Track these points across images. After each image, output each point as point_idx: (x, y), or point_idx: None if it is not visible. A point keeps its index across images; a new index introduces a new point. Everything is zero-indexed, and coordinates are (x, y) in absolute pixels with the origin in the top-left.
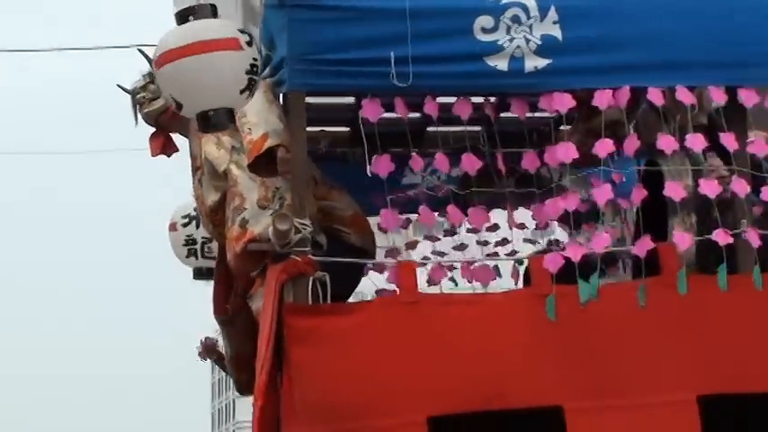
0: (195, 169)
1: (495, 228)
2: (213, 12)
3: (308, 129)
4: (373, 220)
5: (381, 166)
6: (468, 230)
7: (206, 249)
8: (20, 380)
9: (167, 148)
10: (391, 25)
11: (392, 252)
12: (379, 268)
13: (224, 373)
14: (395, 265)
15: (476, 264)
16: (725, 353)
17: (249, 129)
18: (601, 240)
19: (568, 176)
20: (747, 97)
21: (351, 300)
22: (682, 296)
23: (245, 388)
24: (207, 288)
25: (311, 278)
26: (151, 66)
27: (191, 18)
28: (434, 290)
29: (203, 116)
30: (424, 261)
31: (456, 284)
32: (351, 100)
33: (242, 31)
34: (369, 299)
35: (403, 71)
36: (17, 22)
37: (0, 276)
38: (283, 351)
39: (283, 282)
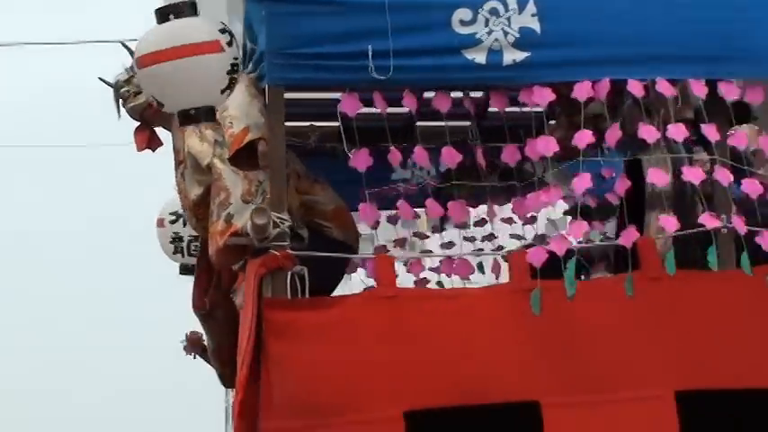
0: (178, 163)
1: (482, 223)
2: (193, 9)
3: (299, 123)
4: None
5: (360, 160)
6: (456, 226)
7: (192, 247)
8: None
9: (152, 143)
10: (370, 19)
11: (381, 248)
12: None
13: None
14: (373, 259)
15: (456, 259)
16: (703, 348)
17: (231, 122)
18: (578, 228)
19: (550, 170)
20: (727, 91)
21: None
22: (660, 291)
23: (228, 381)
24: None
25: (290, 272)
26: (134, 60)
27: (171, 16)
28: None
29: (184, 113)
30: (403, 255)
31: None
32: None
33: (222, 31)
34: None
35: (382, 65)
36: None
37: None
38: (262, 345)
39: (262, 276)
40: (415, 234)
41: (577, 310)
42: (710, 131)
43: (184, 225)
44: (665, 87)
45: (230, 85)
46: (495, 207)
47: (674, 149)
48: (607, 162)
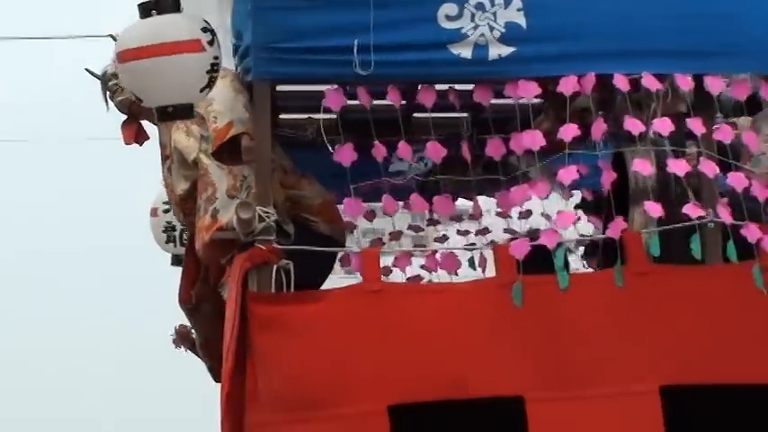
0: (165, 158)
1: (477, 216)
2: (176, 5)
3: (295, 116)
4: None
5: (344, 155)
6: (452, 218)
7: (184, 237)
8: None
9: (139, 137)
10: (355, 13)
11: (377, 242)
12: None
13: None
14: (358, 254)
15: (439, 253)
16: (688, 344)
17: (215, 117)
18: (565, 219)
19: (537, 164)
20: (713, 84)
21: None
22: (645, 286)
23: (217, 375)
24: None
25: (275, 266)
26: (115, 53)
27: (154, 12)
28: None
29: (162, 110)
30: (387, 249)
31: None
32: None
33: (204, 30)
34: None
35: (367, 59)
36: None
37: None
38: (247, 339)
39: (247, 270)
40: (411, 227)
41: (563, 304)
42: (696, 125)
43: None
44: (650, 82)
45: (209, 84)
46: (492, 201)
47: (659, 144)
48: (592, 156)
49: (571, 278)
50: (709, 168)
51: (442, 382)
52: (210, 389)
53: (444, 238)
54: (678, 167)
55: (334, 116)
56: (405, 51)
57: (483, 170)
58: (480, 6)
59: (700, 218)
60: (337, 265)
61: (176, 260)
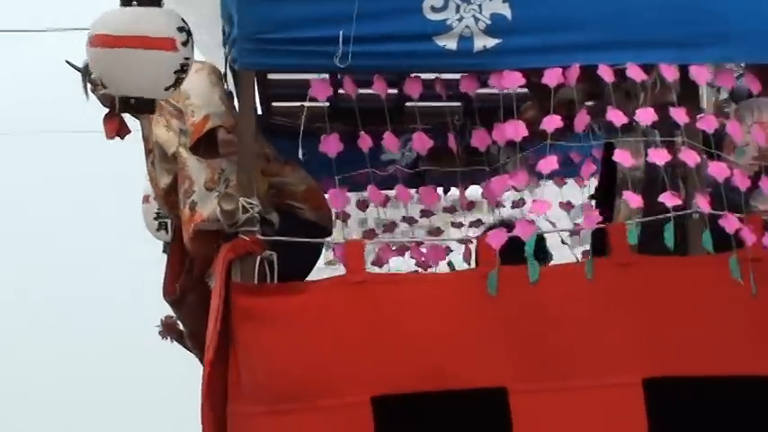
0: (148, 152)
1: (470, 207)
2: None
3: (288, 104)
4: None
5: (330, 145)
6: (445, 209)
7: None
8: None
9: (121, 131)
10: (340, 4)
11: (370, 232)
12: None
13: None
14: (342, 244)
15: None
16: (671, 335)
17: (192, 111)
18: (541, 206)
19: (521, 153)
20: (698, 74)
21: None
22: (628, 277)
23: None
24: None
25: (258, 257)
26: (88, 36)
27: (134, 2)
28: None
29: (124, 100)
30: (373, 240)
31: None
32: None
33: (180, 29)
34: None
35: (351, 50)
36: None
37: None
38: (230, 330)
39: (230, 261)
40: (404, 219)
41: (546, 295)
42: (680, 115)
43: None
44: (636, 72)
45: (175, 84)
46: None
47: (649, 134)
48: (582, 145)
49: (554, 269)
50: (691, 158)
51: (425, 374)
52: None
53: (439, 231)
54: (659, 157)
55: (327, 104)
56: (389, 42)
57: (474, 159)
58: None
59: (678, 208)
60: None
61: (168, 248)
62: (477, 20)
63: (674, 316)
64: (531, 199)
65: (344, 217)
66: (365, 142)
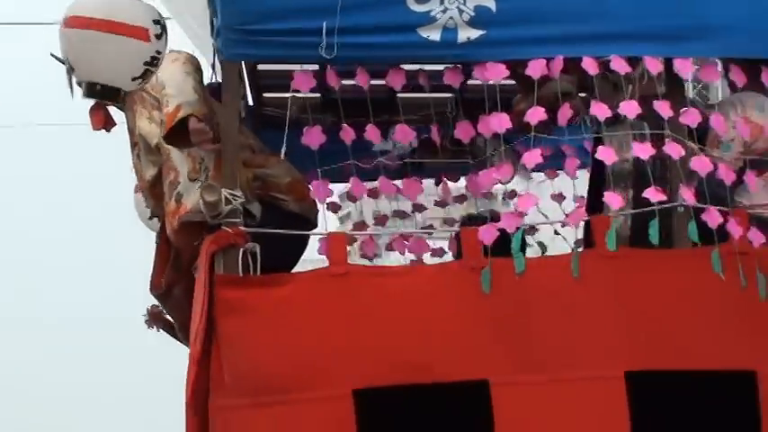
0: (133, 144)
1: (462, 199)
2: None
3: (279, 95)
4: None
5: (313, 137)
6: (437, 203)
7: None
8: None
9: (107, 123)
10: None
11: (361, 225)
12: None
13: None
14: (325, 237)
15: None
16: (654, 329)
17: (167, 101)
18: (527, 201)
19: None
20: (682, 68)
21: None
22: (612, 270)
23: None
24: None
25: (241, 249)
26: (63, 17)
27: None
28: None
29: (90, 85)
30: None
31: None
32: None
33: (156, 22)
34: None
35: (334, 42)
36: None
37: None
38: (213, 322)
39: (213, 252)
40: (396, 213)
41: (529, 288)
42: (663, 108)
43: None
44: (619, 65)
45: (143, 77)
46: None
47: (636, 127)
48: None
49: (537, 262)
50: (675, 151)
51: (408, 367)
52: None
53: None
54: (643, 151)
55: (319, 95)
56: (373, 34)
57: (467, 151)
58: None
59: (664, 202)
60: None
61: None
62: (461, 11)
63: (658, 309)
64: (522, 191)
65: (335, 208)
66: (348, 134)
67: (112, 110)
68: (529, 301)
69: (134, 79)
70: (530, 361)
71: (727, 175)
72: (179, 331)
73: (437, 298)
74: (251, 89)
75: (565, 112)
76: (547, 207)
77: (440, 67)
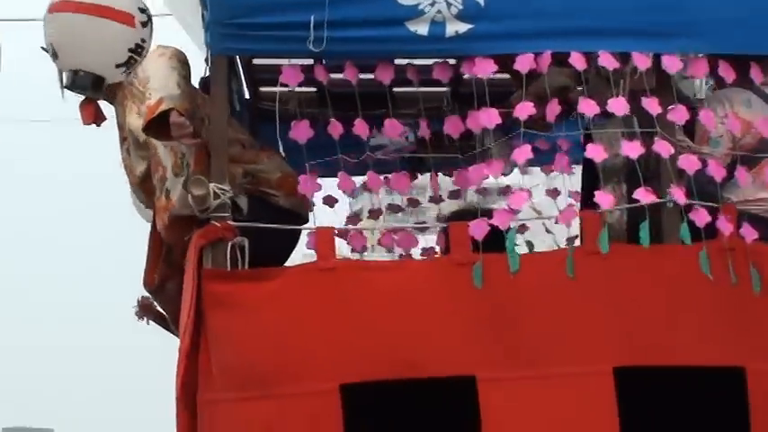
0: (122, 139)
1: (456, 195)
2: None
3: (276, 89)
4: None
5: (300, 131)
6: (431, 199)
7: None
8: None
9: (98, 117)
10: None
11: (354, 218)
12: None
13: None
14: (313, 231)
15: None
16: (643, 324)
17: (150, 94)
18: (518, 199)
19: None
20: (670, 64)
21: None
22: (601, 266)
23: None
24: None
25: (230, 243)
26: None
27: None
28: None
29: (73, 74)
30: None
31: None
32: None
33: (141, 10)
34: None
35: (323, 36)
36: None
37: None
38: (201, 316)
39: (201, 247)
40: (389, 207)
41: (517, 284)
42: (652, 105)
43: None
44: (607, 60)
45: (127, 64)
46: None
47: (629, 121)
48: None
49: (526, 258)
50: (665, 149)
51: (394, 362)
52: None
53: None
54: (631, 150)
55: (315, 90)
56: (360, 28)
57: (467, 145)
58: None
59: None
60: None
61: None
62: (449, 5)
63: (647, 305)
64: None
65: (332, 203)
66: (336, 128)
67: (104, 106)
68: (517, 297)
69: (118, 66)
70: (517, 357)
71: (717, 172)
72: (172, 324)
73: (425, 293)
74: (247, 83)
75: (553, 108)
76: (543, 203)
77: (440, 61)
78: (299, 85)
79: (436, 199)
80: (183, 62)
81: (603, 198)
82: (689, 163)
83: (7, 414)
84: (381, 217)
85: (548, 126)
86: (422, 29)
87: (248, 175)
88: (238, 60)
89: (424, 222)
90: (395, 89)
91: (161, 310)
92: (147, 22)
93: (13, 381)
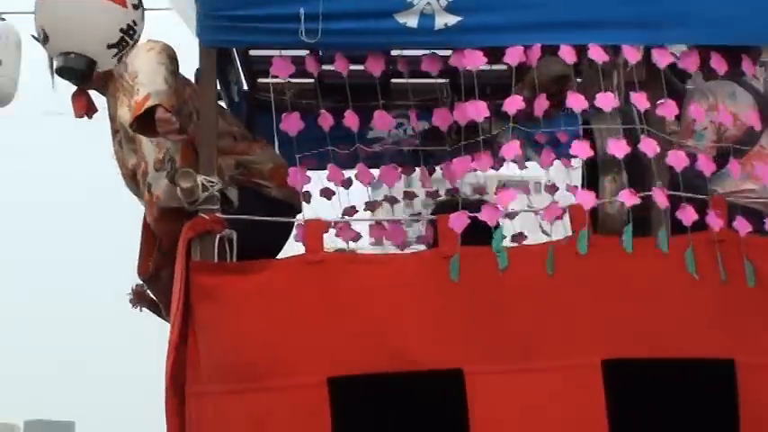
0: (114, 132)
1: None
2: None
3: (274, 80)
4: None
5: (291, 123)
6: (428, 194)
7: None
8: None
9: (89, 109)
10: None
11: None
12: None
13: None
14: (302, 224)
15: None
16: (631, 317)
17: (138, 89)
18: (506, 196)
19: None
20: (661, 57)
21: None
22: (589, 259)
23: None
24: None
25: (218, 236)
26: None
27: None
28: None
29: (64, 57)
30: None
31: None
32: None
33: None
34: None
35: (312, 28)
36: None
37: None
38: (189, 309)
39: (189, 239)
40: (386, 199)
41: (504, 277)
42: (640, 99)
43: None
44: (597, 53)
45: (119, 45)
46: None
47: (627, 113)
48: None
49: (513, 250)
50: (650, 147)
51: (382, 355)
52: None
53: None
54: (617, 149)
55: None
56: (349, 20)
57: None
58: None
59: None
60: None
61: None
62: None
63: (635, 297)
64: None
65: (329, 195)
66: (326, 120)
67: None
68: (504, 290)
69: (109, 47)
70: (505, 350)
71: (706, 165)
72: (165, 313)
73: (412, 286)
74: (245, 74)
75: (541, 104)
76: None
77: (428, 53)
78: (299, 76)
79: (432, 193)
80: (171, 57)
81: (585, 196)
82: (677, 159)
83: (28, 407)
84: (379, 209)
85: (548, 118)
86: (411, 21)
87: (240, 166)
88: (234, 52)
89: (419, 214)
90: (393, 80)
91: (154, 298)
92: (139, 6)
93: (35, 375)
